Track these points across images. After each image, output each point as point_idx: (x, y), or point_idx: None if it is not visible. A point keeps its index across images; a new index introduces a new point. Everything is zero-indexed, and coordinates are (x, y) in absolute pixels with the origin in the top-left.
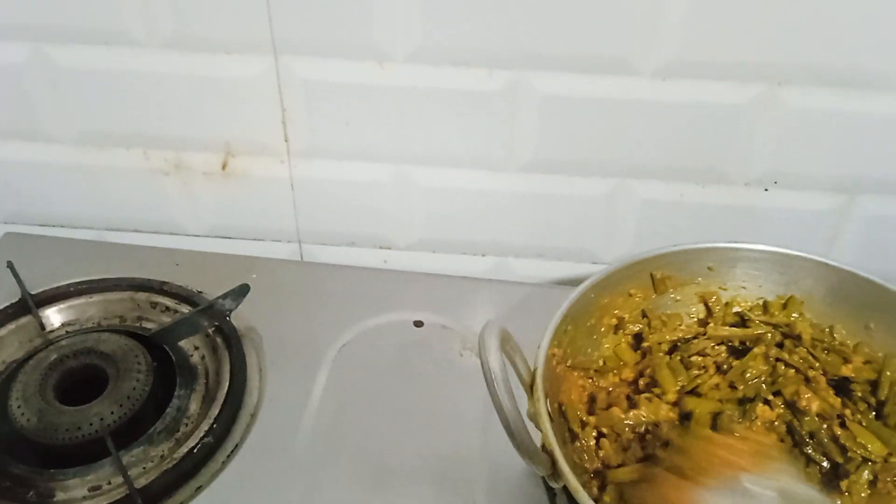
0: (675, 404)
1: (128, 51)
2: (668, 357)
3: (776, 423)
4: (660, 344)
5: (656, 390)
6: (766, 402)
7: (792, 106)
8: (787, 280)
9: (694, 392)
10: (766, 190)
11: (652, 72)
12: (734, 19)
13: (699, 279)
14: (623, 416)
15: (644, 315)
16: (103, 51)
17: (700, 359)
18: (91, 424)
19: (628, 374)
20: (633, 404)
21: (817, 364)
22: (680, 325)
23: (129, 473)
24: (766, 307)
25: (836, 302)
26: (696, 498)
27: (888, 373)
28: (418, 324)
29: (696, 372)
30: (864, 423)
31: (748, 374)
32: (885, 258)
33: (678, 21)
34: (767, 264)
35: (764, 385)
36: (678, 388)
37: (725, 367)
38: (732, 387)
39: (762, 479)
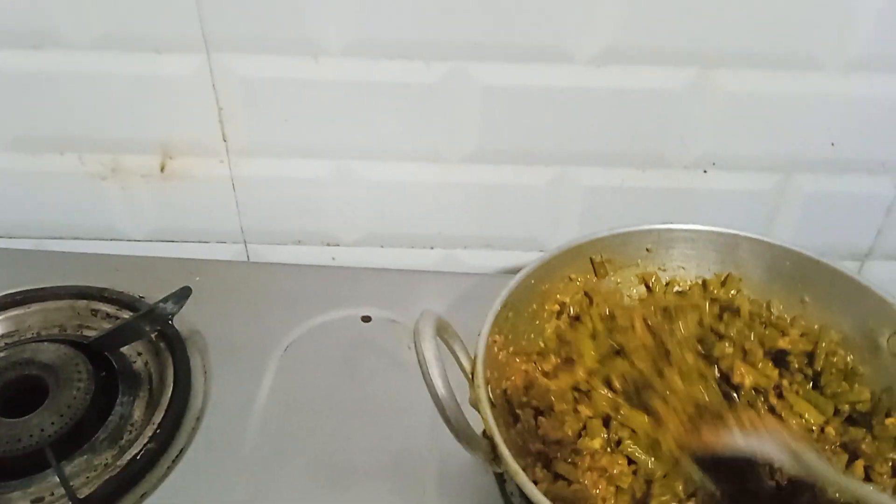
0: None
1: (57, 52)
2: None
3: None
4: (592, 318)
5: (574, 356)
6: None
7: (725, 89)
8: (724, 258)
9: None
10: (704, 172)
11: (588, 59)
12: (665, 5)
13: (638, 261)
14: (548, 386)
15: (587, 296)
16: (32, 53)
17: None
18: (31, 436)
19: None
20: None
21: (753, 337)
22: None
23: (70, 484)
24: (705, 285)
25: (772, 277)
26: None
27: (823, 344)
28: (366, 319)
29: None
30: (800, 393)
31: (677, 334)
32: (823, 234)
33: (612, 8)
34: (704, 244)
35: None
36: (594, 349)
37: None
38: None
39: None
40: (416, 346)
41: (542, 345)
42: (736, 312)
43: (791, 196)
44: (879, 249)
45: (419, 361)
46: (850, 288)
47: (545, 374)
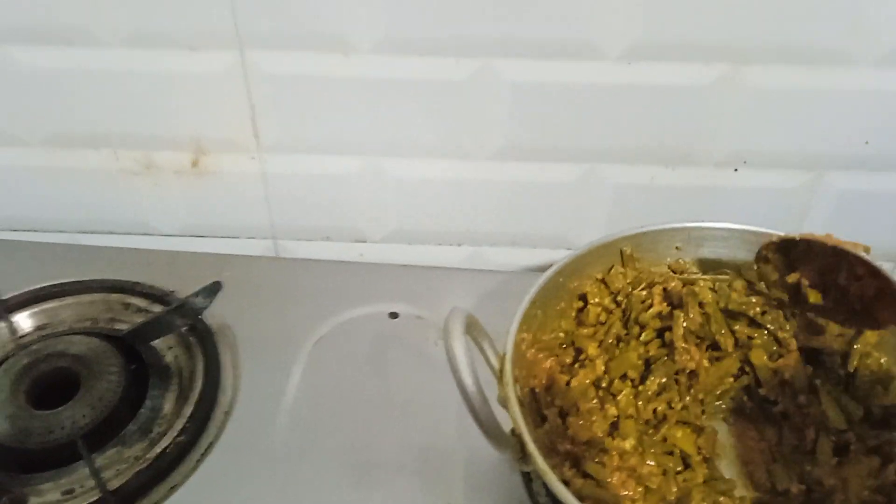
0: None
1: (91, 50)
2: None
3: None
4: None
5: (582, 356)
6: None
7: (756, 85)
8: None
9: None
10: (735, 170)
11: (617, 55)
12: (695, 0)
13: (668, 259)
14: (568, 386)
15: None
16: (66, 51)
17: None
18: (63, 428)
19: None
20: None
21: (788, 328)
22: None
23: (101, 475)
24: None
25: None
26: None
27: (858, 346)
28: (393, 315)
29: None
30: (831, 394)
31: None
32: (856, 233)
33: (641, 3)
34: (735, 242)
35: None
36: (597, 345)
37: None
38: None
39: None
40: (445, 343)
41: (561, 342)
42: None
43: (823, 194)
44: None
45: (448, 358)
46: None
47: (564, 371)
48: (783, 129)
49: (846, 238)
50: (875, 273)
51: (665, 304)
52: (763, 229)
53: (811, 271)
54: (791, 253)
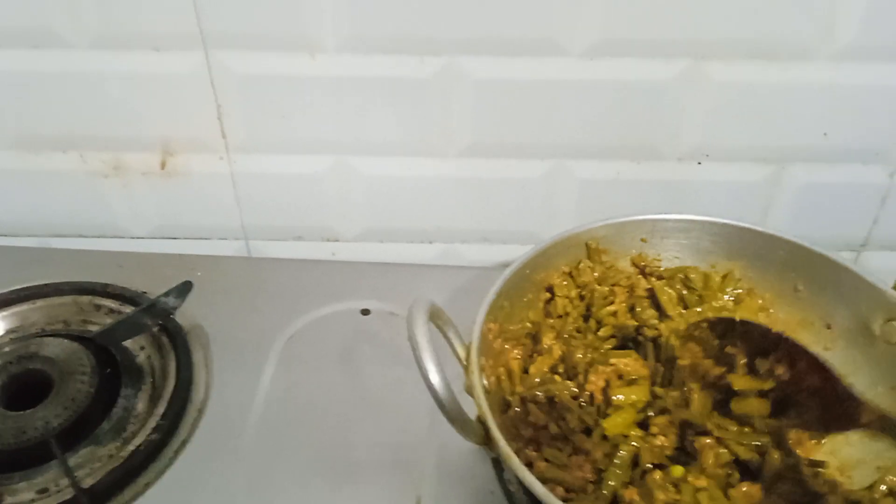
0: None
1: (57, 52)
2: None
3: None
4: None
5: (538, 345)
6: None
7: (716, 80)
8: (718, 248)
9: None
10: (698, 163)
11: (580, 52)
12: None
13: (633, 251)
14: (526, 373)
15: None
16: (31, 53)
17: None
18: (36, 429)
19: None
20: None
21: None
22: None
23: (75, 474)
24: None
25: (766, 266)
26: None
27: None
28: (365, 312)
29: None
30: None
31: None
32: (818, 225)
33: (602, 0)
34: (698, 234)
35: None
36: (554, 335)
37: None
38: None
39: None
40: (408, 330)
41: (526, 332)
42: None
43: (785, 187)
44: (875, 239)
45: (412, 346)
46: (843, 276)
47: (528, 360)
48: (744, 122)
49: (810, 228)
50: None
51: (624, 305)
52: (726, 220)
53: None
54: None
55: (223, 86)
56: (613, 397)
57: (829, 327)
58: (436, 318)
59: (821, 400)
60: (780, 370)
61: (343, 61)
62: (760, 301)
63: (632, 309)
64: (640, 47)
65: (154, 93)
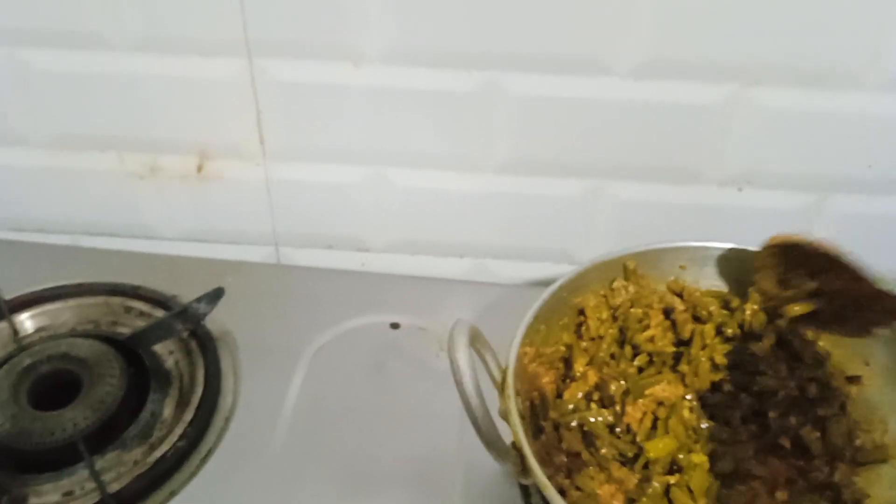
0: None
1: (100, 53)
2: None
3: None
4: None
5: (571, 371)
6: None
7: (763, 105)
8: None
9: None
10: (739, 190)
11: (626, 72)
12: (705, 19)
13: (670, 277)
14: (560, 398)
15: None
16: (76, 54)
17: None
18: (64, 430)
19: None
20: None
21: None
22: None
23: (102, 478)
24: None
25: None
26: None
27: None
28: (395, 326)
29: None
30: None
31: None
32: (857, 256)
33: (650, 20)
34: (738, 263)
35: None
36: (587, 361)
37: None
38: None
39: None
40: (449, 354)
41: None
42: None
43: (826, 217)
44: None
45: (452, 370)
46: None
47: (561, 384)
48: (788, 150)
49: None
50: (858, 277)
51: (661, 328)
52: None
53: (804, 276)
54: (787, 258)
55: (265, 92)
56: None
57: (867, 364)
58: (474, 340)
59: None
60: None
61: (385, 72)
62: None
63: (673, 325)
64: (687, 69)
65: (195, 97)
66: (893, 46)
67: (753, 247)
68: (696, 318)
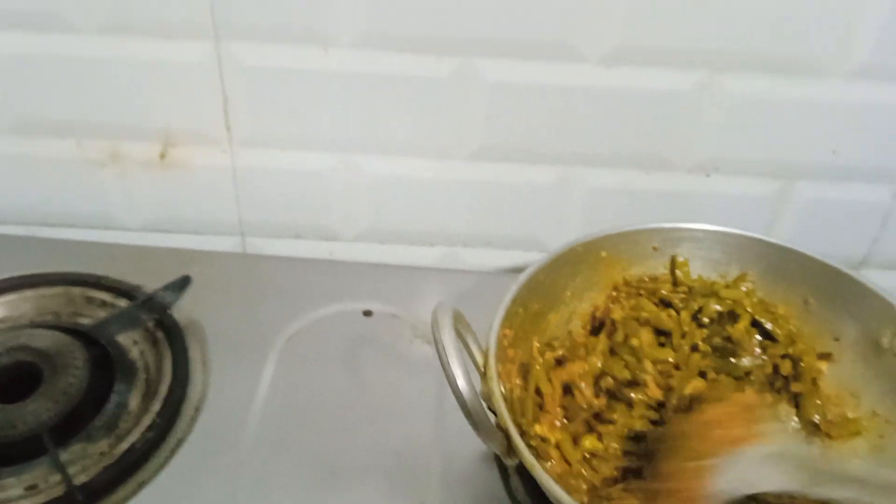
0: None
1: (58, 36)
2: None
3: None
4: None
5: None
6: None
7: (731, 93)
8: (730, 259)
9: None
10: (707, 176)
11: (598, 58)
12: (675, 6)
13: (647, 260)
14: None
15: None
16: (32, 36)
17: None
18: (26, 422)
19: None
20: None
21: None
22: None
23: (67, 471)
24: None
25: (776, 278)
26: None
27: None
28: (367, 313)
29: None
30: None
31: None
32: (819, 242)
33: (621, 7)
34: (711, 244)
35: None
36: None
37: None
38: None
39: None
40: (434, 336)
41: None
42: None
43: (791, 203)
44: (874, 258)
45: (438, 352)
46: (854, 289)
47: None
48: (756, 137)
49: (810, 245)
50: None
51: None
52: (739, 231)
53: None
54: None
55: (231, 77)
56: None
57: (837, 340)
58: (457, 323)
59: None
60: None
61: (356, 57)
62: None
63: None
64: (658, 56)
65: (159, 81)
66: (859, 35)
67: (726, 228)
68: (667, 304)
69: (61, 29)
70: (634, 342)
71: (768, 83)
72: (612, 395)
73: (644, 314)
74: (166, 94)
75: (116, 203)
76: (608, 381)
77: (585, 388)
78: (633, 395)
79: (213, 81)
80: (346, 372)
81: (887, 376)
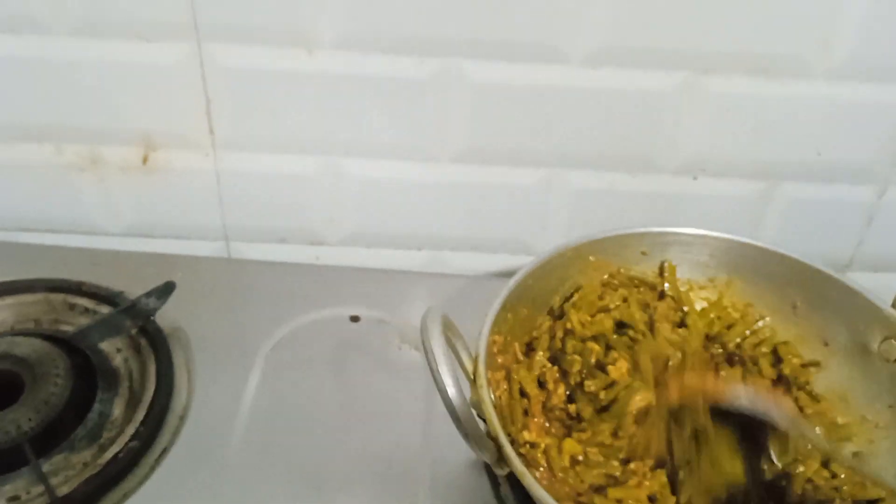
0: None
1: (34, 38)
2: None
3: None
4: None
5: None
6: None
7: (715, 93)
8: (718, 263)
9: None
10: (694, 178)
11: (581, 59)
12: (658, 7)
13: (634, 264)
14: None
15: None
16: (7, 37)
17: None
18: (7, 432)
19: None
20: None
21: None
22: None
23: (49, 481)
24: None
25: (764, 282)
26: None
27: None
28: (354, 319)
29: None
30: None
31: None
32: (805, 243)
33: (604, 8)
34: (699, 248)
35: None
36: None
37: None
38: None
39: None
40: (423, 343)
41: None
42: None
43: (776, 204)
44: (859, 260)
45: (428, 360)
46: (842, 293)
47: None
48: (740, 138)
49: (796, 247)
50: None
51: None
52: (727, 235)
53: None
54: None
55: (214, 79)
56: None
57: (826, 344)
58: (446, 330)
59: None
60: None
61: (340, 58)
62: None
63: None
64: (641, 57)
65: (139, 84)
66: (842, 35)
67: (714, 232)
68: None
69: (35, 30)
70: (568, 324)
71: (752, 83)
72: (580, 387)
73: (611, 304)
74: (147, 96)
75: (97, 208)
76: (575, 374)
77: (555, 382)
78: (593, 386)
79: (194, 84)
80: (333, 378)
81: (876, 380)
